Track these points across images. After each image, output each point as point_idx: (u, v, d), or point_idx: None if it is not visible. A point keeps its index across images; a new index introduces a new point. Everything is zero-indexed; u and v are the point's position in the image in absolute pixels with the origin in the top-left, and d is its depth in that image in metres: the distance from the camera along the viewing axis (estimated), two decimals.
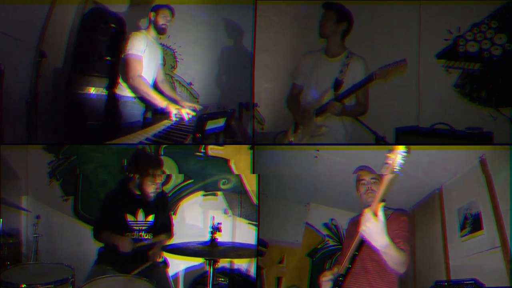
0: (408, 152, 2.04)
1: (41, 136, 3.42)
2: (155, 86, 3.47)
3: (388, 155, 2.06)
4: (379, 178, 2.69)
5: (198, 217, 3.52)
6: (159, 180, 3.01)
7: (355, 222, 2.80)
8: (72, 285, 2.60)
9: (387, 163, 2.06)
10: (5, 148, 3.25)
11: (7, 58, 3.15)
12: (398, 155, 2.04)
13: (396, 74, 2.98)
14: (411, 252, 2.59)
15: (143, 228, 3.02)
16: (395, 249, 2.25)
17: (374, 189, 2.67)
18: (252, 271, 3.38)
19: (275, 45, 3.86)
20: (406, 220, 2.64)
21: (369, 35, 3.65)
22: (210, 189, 3.54)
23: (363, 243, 2.31)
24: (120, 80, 3.33)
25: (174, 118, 3.11)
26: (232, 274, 3.36)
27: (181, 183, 3.54)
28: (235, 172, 3.52)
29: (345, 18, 3.17)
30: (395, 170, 2.05)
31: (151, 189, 2.98)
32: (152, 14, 3.34)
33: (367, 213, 2.15)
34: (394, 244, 2.35)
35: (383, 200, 2.23)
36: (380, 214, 2.14)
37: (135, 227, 3.01)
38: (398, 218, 2.63)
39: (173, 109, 3.12)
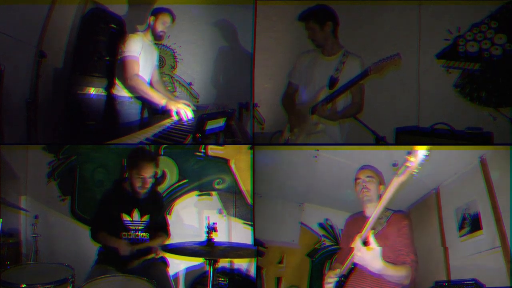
0: (428, 154, 1.93)
1: (41, 136, 3.42)
2: (151, 87, 3.47)
3: (407, 157, 1.95)
4: (375, 176, 2.67)
5: (193, 217, 3.52)
6: (146, 174, 2.97)
7: (354, 221, 2.79)
8: (72, 285, 2.60)
9: (407, 166, 1.95)
10: (5, 148, 3.25)
11: (7, 58, 3.15)
12: (419, 157, 1.93)
13: (391, 68, 2.99)
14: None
15: (140, 227, 3.02)
16: (393, 268, 2.22)
17: (369, 187, 2.63)
18: (252, 271, 3.38)
19: (275, 45, 3.85)
20: (407, 224, 2.54)
21: (369, 35, 3.65)
22: (204, 189, 3.54)
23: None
24: (117, 81, 3.35)
25: (175, 116, 3.11)
26: (232, 274, 3.35)
27: (175, 183, 3.54)
28: (235, 172, 3.52)
29: (327, 18, 3.16)
30: (414, 173, 1.94)
31: (138, 183, 2.96)
32: (151, 19, 3.32)
33: (358, 242, 2.11)
34: (397, 255, 2.33)
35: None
36: (372, 241, 2.09)
37: (131, 227, 3.01)
38: (399, 223, 2.54)
39: (172, 107, 3.12)
